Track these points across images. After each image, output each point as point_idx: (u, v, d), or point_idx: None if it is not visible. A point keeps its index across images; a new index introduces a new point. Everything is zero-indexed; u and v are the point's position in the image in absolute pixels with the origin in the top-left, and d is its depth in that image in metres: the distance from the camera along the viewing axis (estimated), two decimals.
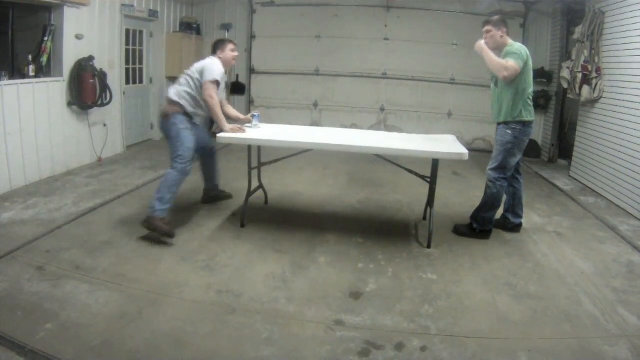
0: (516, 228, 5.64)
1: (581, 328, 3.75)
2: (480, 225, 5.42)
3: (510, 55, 4.96)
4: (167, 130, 5.29)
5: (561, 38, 9.62)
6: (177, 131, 5.22)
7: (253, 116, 5.78)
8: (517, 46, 5.04)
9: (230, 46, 5.54)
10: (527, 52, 5.03)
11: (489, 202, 5.33)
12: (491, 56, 5.06)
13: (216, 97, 5.29)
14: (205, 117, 5.66)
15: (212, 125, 10.82)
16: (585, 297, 4.21)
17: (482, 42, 5.19)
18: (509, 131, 5.12)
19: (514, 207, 5.58)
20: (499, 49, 5.13)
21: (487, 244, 5.34)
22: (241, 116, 5.94)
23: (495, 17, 5.24)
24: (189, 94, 5.28)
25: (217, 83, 5.28)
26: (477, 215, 5.46)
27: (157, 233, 5.03)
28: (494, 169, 5.25)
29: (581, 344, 3.54)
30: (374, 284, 4.36)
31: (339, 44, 11.07)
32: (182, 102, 5.25)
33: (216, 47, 5.58)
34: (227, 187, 6.69)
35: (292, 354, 3.31)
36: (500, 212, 5.61)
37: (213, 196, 6.31)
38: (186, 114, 5.29)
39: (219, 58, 5.46)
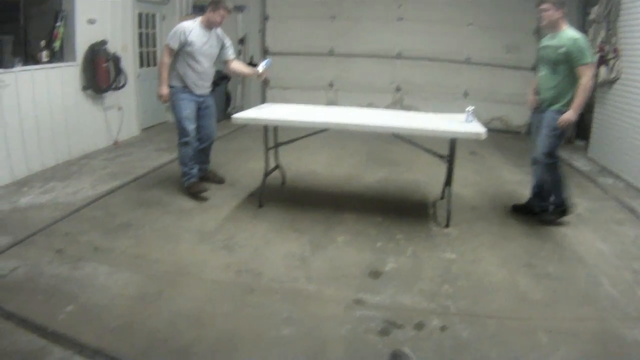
0: (543, 212, 5.45)
1: (600, 310, 3.69)
2: (560, 206, 5.27)
3: (581, 58, 4.72)
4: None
5: (577, 19, 9.40)
6: (172, 103, 5.60)
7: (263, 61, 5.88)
8: (582, 41, 4.79)
9: (221, 12, 5.51)
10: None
11: (554, 187, 5.18)
12: (580, 100, 4.77)
13: (165, 60, 5.52)
14: (207, 89, 5.81)
15: (227, 105, 10.87)
16: (604, 279, 4.14)
17: (567, 116, 4.84)
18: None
19: (541, 192, 5.40)
20: (553, 29, 4.93)
21: (506, 224, 5.28)
22: (245, 70, 6.15)
23: None
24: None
25: (168, 48, 5.47)
26: (556, 200, 5.29)
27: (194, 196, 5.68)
28: (547, 154, 5.03)
29: (601, 325, 3.49)
30: (393, 263, 4.32)
31: (353, 24, 10.92)
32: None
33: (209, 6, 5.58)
34: (243, 168, 6.78)
35: (312, 333, 3.29)
36: (526, 196, 5.55)
37: (203, 177, 6.21)
38: (182, 87, 5.61)
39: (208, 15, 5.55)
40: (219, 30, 5.72)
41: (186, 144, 5.63)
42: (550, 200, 5.34)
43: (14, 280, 3.81)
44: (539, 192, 5.42)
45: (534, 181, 5.42)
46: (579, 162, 8.04)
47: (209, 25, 5.55)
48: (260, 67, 5.77)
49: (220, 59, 5.89)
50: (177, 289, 3.78)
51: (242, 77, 10.85)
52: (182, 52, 5.45)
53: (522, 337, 3.32)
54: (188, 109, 5.59)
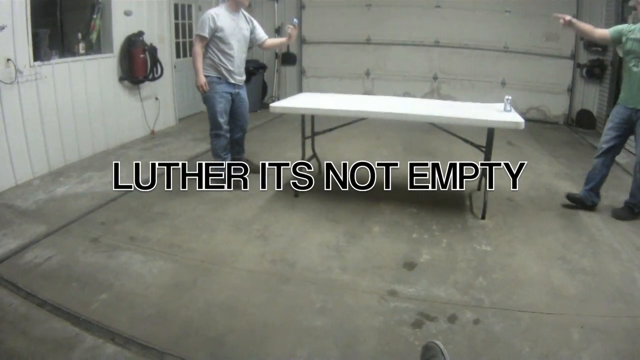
0: (593, 207, 5.32)
1: (635, 306, 3.55)
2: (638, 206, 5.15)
3: None
4: None
5: (616, 5, 9.05)
6: (206, 96, 5.59)
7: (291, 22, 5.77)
8: None
9: None
10: None
11: None
12: None
13: (198, 50, 5.42)
14: (241, 77, 5.72)
15: (264, 95, 10.86)
16: (639, 275, 3.99)
17: None
18: None
19: (597, 187, 5.27)
20: None
21: (542, 217, 5.13)
22: (279, 41, 6.31)
23: None
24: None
25: (200, 37, 5.38)
26: (634, 199, 5.13)
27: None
28: None
29: (634, 322, 3.35)
30: (427, 254, 4.24)
31: (390, 12, 10.77)
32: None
33: None
34: (279, 157, 6.70)
35: (345, 324, 3.25)
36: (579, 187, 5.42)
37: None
38: (217, 77, 5.55)
39: None
40: (246, 13, 5.67)
41: (218, 135, 5.62)
42: (629, 200, 5.18)
43: (49, 268, 3.84)
44: (595, 186, 5.27)
45: (595, 176, 5.25)
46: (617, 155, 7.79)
47: (236, 7, 5.49)
48: (290, 26, 5.68)
49: (255, 43, 5.85)
50: (212, 278, 3.77)
51: (279, 66, 11.06)
52: (213, 38, 5.40)
53: (555, 332, 3.23)
54: (222, 103, 5.55)
